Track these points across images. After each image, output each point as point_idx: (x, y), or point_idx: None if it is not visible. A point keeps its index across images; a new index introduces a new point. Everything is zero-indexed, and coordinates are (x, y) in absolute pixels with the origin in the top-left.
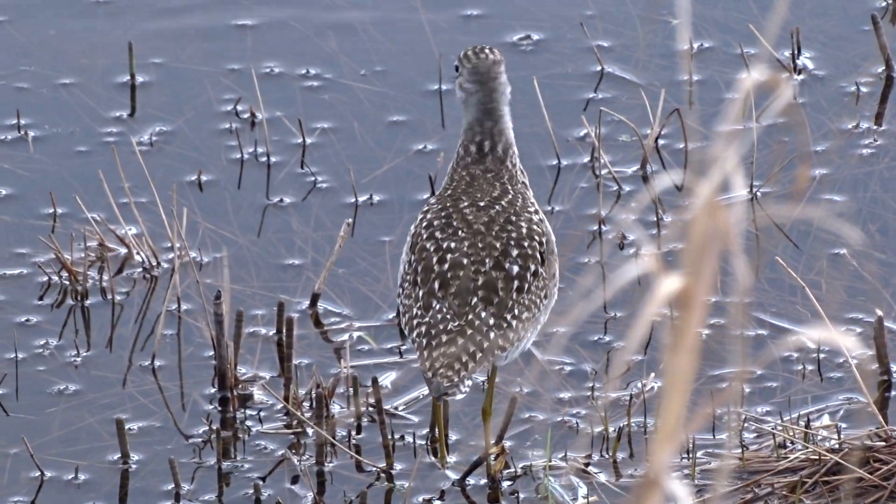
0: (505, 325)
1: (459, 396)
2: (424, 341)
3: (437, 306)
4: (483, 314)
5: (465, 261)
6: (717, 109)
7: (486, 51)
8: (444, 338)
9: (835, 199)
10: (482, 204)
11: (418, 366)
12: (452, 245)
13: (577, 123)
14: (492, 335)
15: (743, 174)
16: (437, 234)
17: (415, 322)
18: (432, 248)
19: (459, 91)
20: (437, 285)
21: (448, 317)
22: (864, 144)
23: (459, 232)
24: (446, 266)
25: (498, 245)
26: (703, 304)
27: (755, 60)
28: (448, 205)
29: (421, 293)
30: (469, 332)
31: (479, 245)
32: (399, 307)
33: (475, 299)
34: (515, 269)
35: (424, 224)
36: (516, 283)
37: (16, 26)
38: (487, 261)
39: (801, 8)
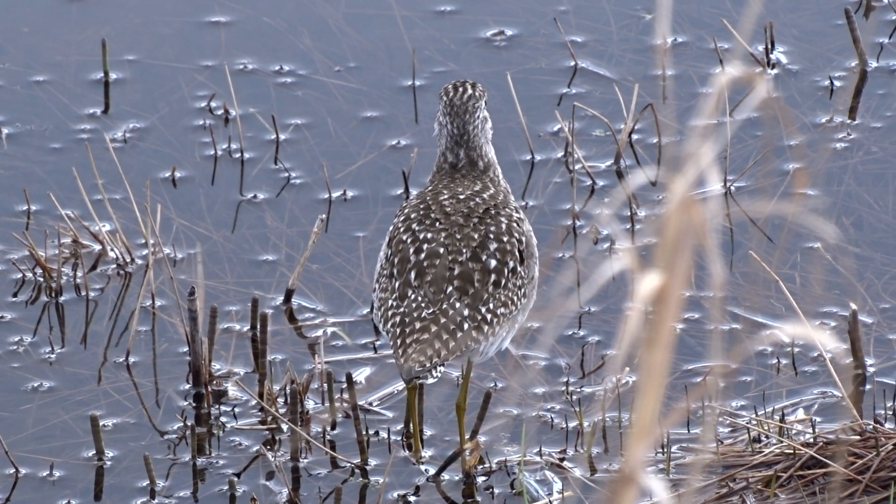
0: (479, 317)
1: (430, 381)
2: (398, 330)
3: (413, 295)
4: (457, 304)
5: (441, 250)
6: (691, 104)
7: (467, 85)
8: (419, 325)
9: (809, 193)
10: (462, 196)
11: (392, 356)
12: (429, 235)
13: (551, 118)
14: (465, 325)
15: (717, 169)
16: (414, 226)
17: (389, 313)
18: (409, 240)
19: (435, 125)
20: (413, 275)
21: (423, 305)
22: (837, 138)
23: (437, 223)
24: (423, 256)
25: (476, 237)
26: (678, 298)
27: (729, 55)
28: (428, 198)
29: (397, 284)
30: (443, 320)
31: (458, 236)
32: (373, 302)
33: (450, 288)
34: (493, 262)
35: (402, 218)
36: (493, 276)
37: None
38: (465, 251)
39: (774, 2)
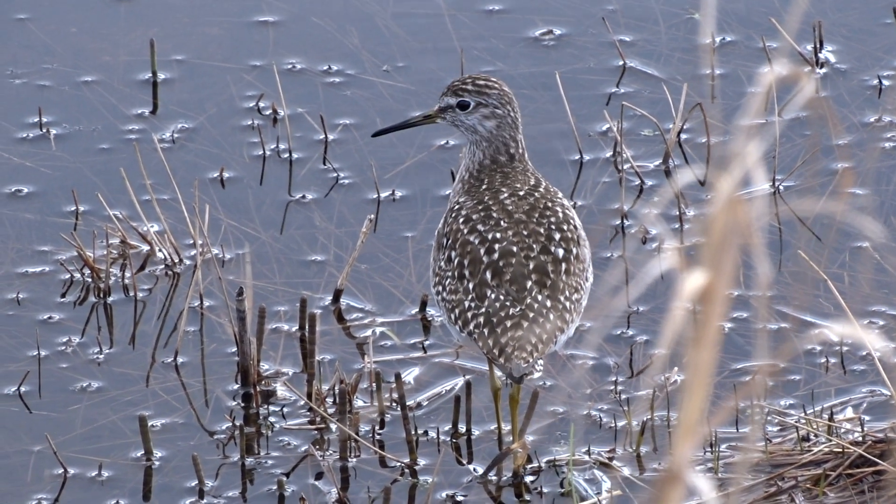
0: (560, 306)
1: (536, 375)
2: (486, 330)
3: (493, 295)
4: (540, 297)
5: (514, 248)
6: (739, 103)
7: (490, 77)
8: (509, 323)
9: (857, 192)
10: (522, 193)
11: (483, 352)
12: (497, 235)
13: (600, 118)
14: (552, 316)
15: (765, 168)
16: (479, 227)
17: (469, 314)
18: (477, 241)
19: (488, 122)
20: (489, 275)
21: (507, 303)
22: (886, 138)
23: (501, 222)
24: (496, 256)
25: (542, 231)
26: (726, 297)
27: (777, 54)
28: (486, 198)
29: (471, 285)
30: (531, 314)
31: (524, 232)
32: (441, 305)
33: (529, 283)
34: (561, 252)
35: (461, 220)
36: (564, 265)
37: (38, 24)
38: (535, 246)
39: (822, 1)
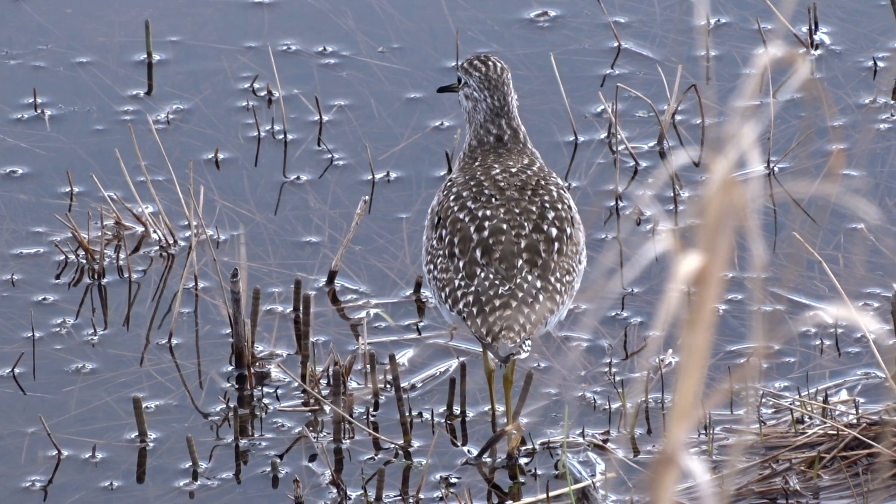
0: (550, 287)
1: (523, 356)
2: (475, 309)
3: (482, 273)
4: (530, 277)
5: (504, 226)
6: (734, 85)
7: (493, 58)
8: (497, 302)
9: (852, 173)
10: (514, 170)
11: (471, 332)
12: (488, 212)
13: (594, 99)
14: (541, 297)
15: (760, 150)
16: (470, 204)
17: (459, 293)
18: (467, 219)
19: (467, 101)
20: (478, 253)
21: (497, 282)
22: (881, 119)
23: (493, 199)
24: (486, 233)
25: (534, 209)
26: (720, 279)
27: (772, 36)
28: (479, 174)
29: (461, 263)
30: (520, 294)
31: (516, 210)
32: (432, 285)
33: (520, 262)
34: (554, 231)
35: (452, 197)
36: (556, 245)
37: (32, 5)
38: (526, 224)
39: None
